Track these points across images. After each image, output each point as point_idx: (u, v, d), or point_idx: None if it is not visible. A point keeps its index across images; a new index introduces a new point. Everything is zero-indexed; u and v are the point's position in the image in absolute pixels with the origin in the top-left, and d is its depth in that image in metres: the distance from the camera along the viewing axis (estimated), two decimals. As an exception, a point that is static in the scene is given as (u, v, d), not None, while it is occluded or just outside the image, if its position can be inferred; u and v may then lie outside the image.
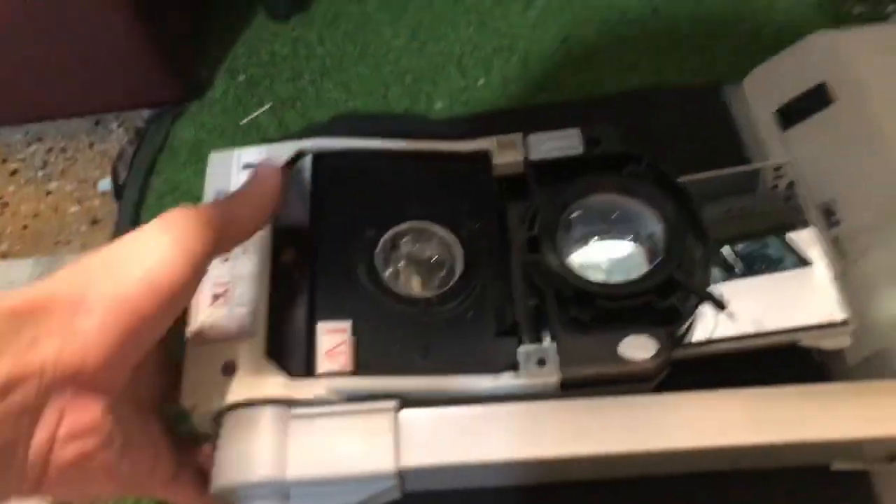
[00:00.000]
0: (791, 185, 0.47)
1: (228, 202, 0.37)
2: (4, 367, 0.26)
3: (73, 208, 0.65)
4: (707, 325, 0.42)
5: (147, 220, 0.60)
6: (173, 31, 0.67)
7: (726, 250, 0.46)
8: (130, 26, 0.61)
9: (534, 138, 0.45)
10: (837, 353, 0.45)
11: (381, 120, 0.64)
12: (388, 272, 0.42)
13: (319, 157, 0.44)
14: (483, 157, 0.45)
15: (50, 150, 0.69)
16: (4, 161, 0.69)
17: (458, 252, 0.42)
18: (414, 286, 0.42)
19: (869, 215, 0.46)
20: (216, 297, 0.39)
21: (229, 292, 0.39)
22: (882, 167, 0.46)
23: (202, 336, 0.38)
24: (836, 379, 0.47)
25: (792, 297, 0.43)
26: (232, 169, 0.43)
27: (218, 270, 0.40)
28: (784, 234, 0.46)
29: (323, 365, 0.37)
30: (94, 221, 0.64)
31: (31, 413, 0.27)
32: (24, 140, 0.70)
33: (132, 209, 0.62)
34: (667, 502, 0.45)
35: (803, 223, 0.46)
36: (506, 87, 0.67)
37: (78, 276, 0.29)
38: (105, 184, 0.65)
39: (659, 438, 0.37)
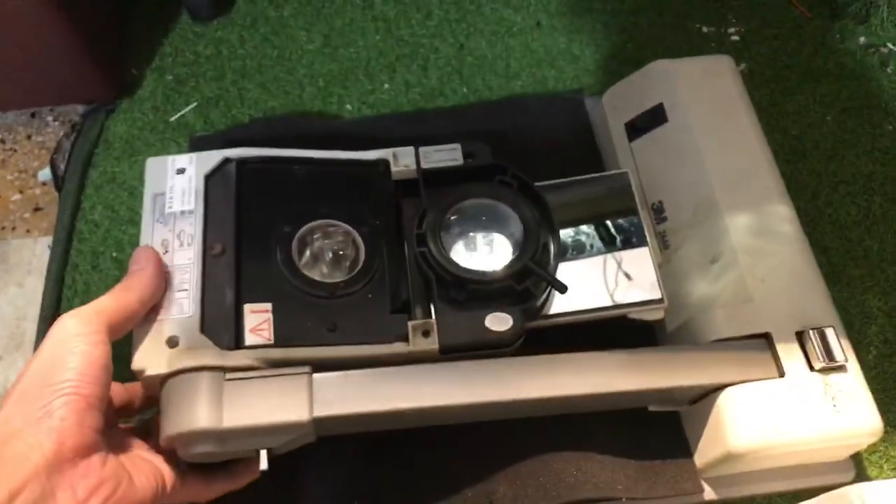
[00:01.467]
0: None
1: (119, 297, 0.44)
2: (3, 490, 0.35)
3: (15, 196, 0.71)
4: (558, 302, 0.54)
5: (87, 209, 0.67)
6: (100, 28, 0.72)
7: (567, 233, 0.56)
8: (58, 23, 0.65)
9: (423, 150, 0.55)
10: (660, 322, 0.57)
11: (294, 122, 0.72)
12: (301, 262, 0.51)
13: (242, 163, 0.53)
14: (383, 165, 0.55)
15: (-12, 140, 0.74)
16: (-57, 152, 0.74)
17: (361, 244, 0.52)
18: (323, 274, 0.51)
19: (686, 215, 0.58)
20: (159, 283, 0.48)
21: (169, 279, 0.48)
22: (698, 177, 0.58)
23: (147, 314, 0.46)
24: (659, 342, 0.59)
25: (623, 278, 0.55)
26: (168, 173, 0.51)
27: (159, 261, 0.48)
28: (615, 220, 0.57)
29: (249, 339, 0.47)
30: (37, 209, 0.70)
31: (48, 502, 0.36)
32: (-40, 131, 0.75)
33: (73, 198, 0.68)
34: (518, 440, 0.57)
35: (633, 212, 0.57)
36: (408, 92, 0.76)
37: (26, 396, 0.39)
38: (45, 174, 0.71)
39: (515, 391, 0.49)
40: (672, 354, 0.52)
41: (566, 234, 0.56)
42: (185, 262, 0.48)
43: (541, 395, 0.48)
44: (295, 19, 0.81)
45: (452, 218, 0.53)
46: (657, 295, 0.54)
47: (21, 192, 0.71)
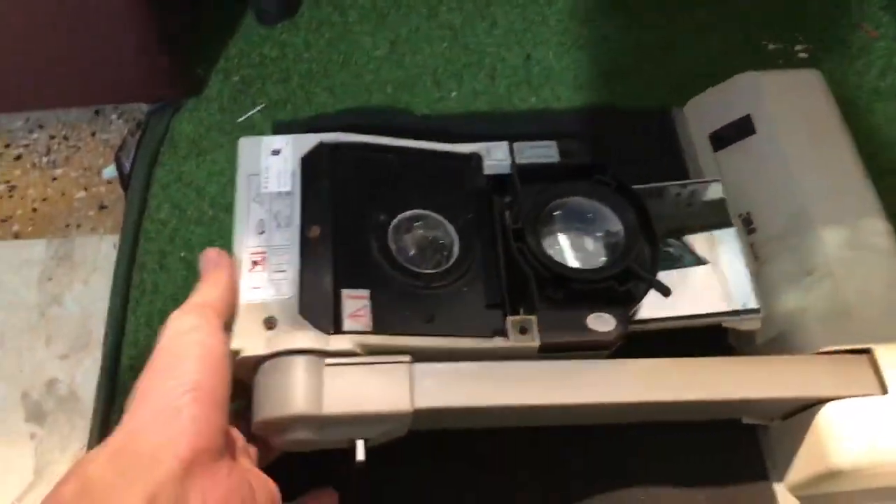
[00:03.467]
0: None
1: (215, 288, 0.44)
2: (138, 493, 0.32)
3: (80, 194, 0.69)
4: (653, 307, 0.52)
5: (154, 208, 0.66)
6: (175, 28, 0.72)
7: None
8: (141, 21, 0.65)
9: (518, 146, 0.54)
10: (748, 334, 0.56)
11: (380, 114, 0.71)
12: (397, 250, 0.49)
13: (337, 148, 0.51)
14: (476, 159, 0.54)
15: (52, 137, 0.73)
16: (7, 146, 0.72)
17: (455, 237, 0.51)
18: (418, 264, 0.50)
19: (777, 227, 0.57)
20: (255, 263, 0.46)
21: (266, 260, 0.46)
22: (789, 189, 0.57)
23: (245, 296, 0.45)
24: (742, 354, 0.57)
25: (718, 287, 0.54)
26: (262, 154, 0.50)
27: (254, 241, 0.47)
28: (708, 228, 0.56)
29: (348, 324, 0.45)
30: (102, 207, 0.69)
31: None
32: (25, 127, 0.73)
33: (140, 197, 0.66)
34: (618, 445, 0.55)
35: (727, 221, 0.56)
36: (476, 100, 0.75)
37: (150, 396, 0.37)
38: (109, 171, 0.70)
39: (621, 393, 0.47)
40: (776, 364, 0.51)
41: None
42: (283, 244, 0.47)
43: (646, 399, 0.47)
44: (360, 25, 0.81)
45: (553, 213, 0.51)
46: (754, 304, 0.53)
47: (86, 189, 0.70)
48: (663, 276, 0.53)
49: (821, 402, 0.50)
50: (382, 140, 0.53)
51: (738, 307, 0.53)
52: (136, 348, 0.61)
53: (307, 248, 0.47)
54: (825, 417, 0.50)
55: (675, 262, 0.55)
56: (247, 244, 0.47)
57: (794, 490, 0.54)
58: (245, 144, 0.51)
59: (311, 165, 0.50)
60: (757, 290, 0.53)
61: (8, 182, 0.70)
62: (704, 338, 0.54)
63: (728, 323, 0.53)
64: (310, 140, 0.51)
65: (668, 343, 0.51)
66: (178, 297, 0.62)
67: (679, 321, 0.52)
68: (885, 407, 0.49)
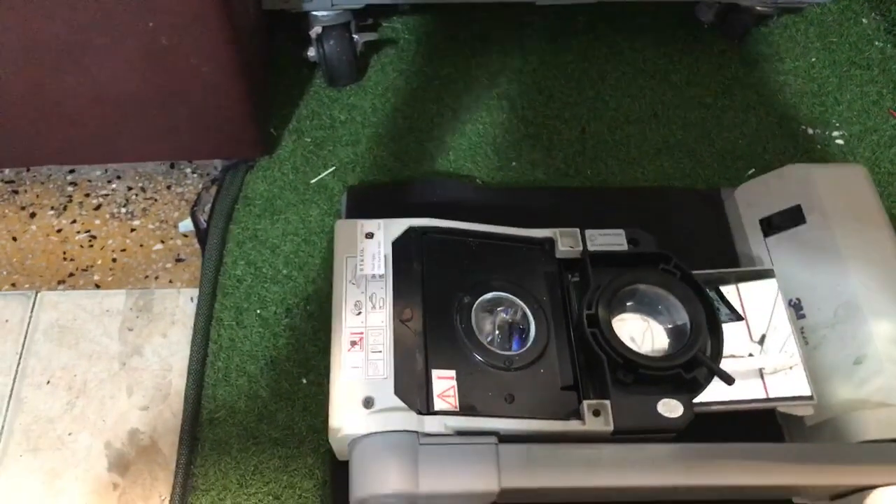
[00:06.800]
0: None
1: None
2: None
3: (157, 246, 0.72)
4: (716, 392, 0.55)
5: (230, 264, 0.70)
6: (258, 89, 0.75)
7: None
8: (235, 84, 0.67)
9: (589, 233, 0.57)
10: (798, 417, 0.59)
11: (446, 184, 0.75)
12: (480, 332, 0.53)
13: (425, 233, 0.55)
14: (549, 243, 0.57)
15: (130, 188, 0.76)
16: (87, 195, 0.76)
17: (531, 319, 0.54)
18: (498, 346, 0.53)
19: (826, 315, 0.60)
20: (353, 343, 0.50)
21: (364, 340, 0.50)
22: (839, 279, 0.61)
23: (345, 375, 0.48)
24: (792, 437, 0.61)
25: (774, 374, 0.57)
26: (358, 237, 0.54)
27: (353, 321, 0.51)
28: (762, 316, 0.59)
29: (438, 404, 0.48)
30: (179, 259, 0.72)
31: None
32: (104, 177, 0.77)
33: (216, 253, 0.70)
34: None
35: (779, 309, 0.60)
36: (534, 170, 0.79)
37: None
38: (185, 225, 0.73)
39: (680, 477, 0.50)
40: (828, 452, 0.54)
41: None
42: (378, 325, 0.50)
43: (709, 483, 0.50)
44: (424, 92, 0.85)
45: (622, 302, 0.55)
46: (807, 392, 0.56)
47: (163, 241, 0.73)
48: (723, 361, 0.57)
49: (869, 488, 0.53)
50: (464, 225, 0.56)
51: (794, 393, 0.56)
52: (215, 402, 0.64)
53: (400, 330, 0.50)
54: (873, 502, 0.53)
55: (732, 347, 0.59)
56: (346, 325, 0.50)
57: (839, 569, 0.57)
58: (341, 227, 0.55)
59: (402, 249, 0.54)
60: (809, 378, 0.57)
61: (88, 231, 0.74)
62: (754, 420, 0.58)
63: (783, 408, 0.57)
64: (399, 224, 0.54)
65: (719, 422, 0.54)
66: (254, 353, 0.66)
67: (737, 405, 0.56)
68: (929, 496, 0.53)
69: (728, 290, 0.60)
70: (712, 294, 0.60)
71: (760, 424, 0.60)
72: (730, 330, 0.58)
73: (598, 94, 0.86)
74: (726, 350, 0.56)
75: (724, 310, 0.59)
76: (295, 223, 0.74)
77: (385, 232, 0.54)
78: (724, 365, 0.55)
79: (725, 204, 0.73)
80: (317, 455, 0.60)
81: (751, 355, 0.58)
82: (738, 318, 0.59)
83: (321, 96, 0.84)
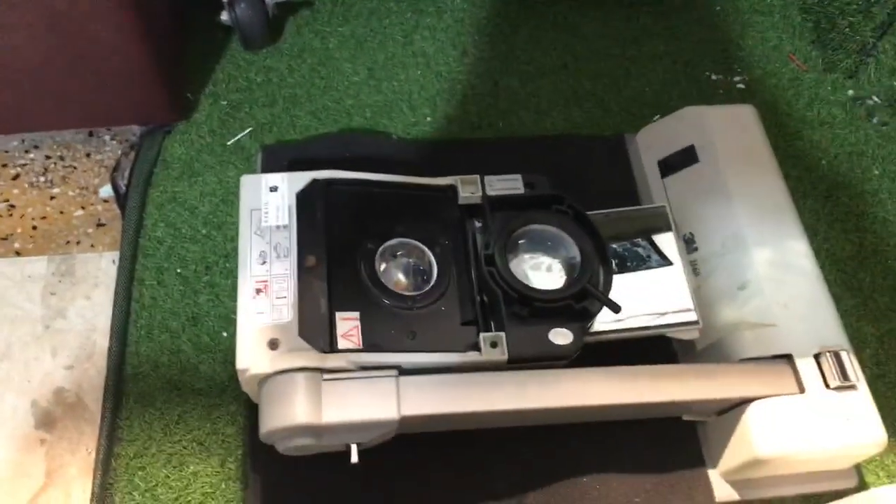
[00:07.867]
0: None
1: None
2: None
3: (78, 212, 0.74)
4: (605, 321, 0.59)
5: (150, 226, 0.72)
6: (167, 53, 0.76)
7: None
8: (137, 47, 0.68)
9: (488, 179, 0.61)
10: (689, 342, 0.63)
11: (359, 140, 0.77)
12: (383, 275, 0.56)
13: (329, 184, 0.58)
14: (451, 190, 0.60)
15: (48, 157, 0.77)
16: (5, 166, 0.76)
17: (433, 261, 0.57)
18: (400, 287, 0.56)
19: (715, 246, 0.65)
20: (258, 290, 0.52)
21: (269, 287, 0.52)
22: (727, 213, 0.65)
23: (251, 320, 0.51)
24: (683, 359, 0.65)
25: (662, 302, 0.61)
26: (262, 190, 0.56)
27: (258, 270, 0.53)
28: (650, 236, 0.63)
29: (342, 343, 0.51)
30: (100, 224, 0.73)
31: None
32: (21, 147, 0.78)
33: (136, 216, 0.71)
34: (574, 442, 0.63)
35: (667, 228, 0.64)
36: (449, 125, 0.82)
37: None
38: (105, 190, 0.75)
39: (572, 398, 0.54)
40: (711, 370, 0.59)
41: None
42: (283, 272, 0.53)
43: (600, 403, 0.54)
44: (340, 52, 0.86)
45: (517, 241, 0.58)
46: (693, 317, 0.61)
47: (83, 207, 0.74)
48: (633, 277, 0.61)
49: (749, 401, 0.58)
50: (368, 175, 0.59)
51: (681, 319, 0.61)
52: (138, 358, 0.66)
53: (304, 276, 0.53)
54: (752, 414, 0.58)
55: (642, 263, 0.63)
56: (251, 273, 0.53)
57: (726, 475, 0.62)
58: (246, 181, 0.57)
59: (306, 200, 0.56)
60: (696, 304, 0.61)
61: (7, 201, 0.74)
62: (651, 343, 0.62)
63: (671, 333, 0.61)
64: (303, 177, 0.57)
65: (618, 347, 0.59)
66: (176, 310, 0.68)
67: (627, 333, 0.60)
68: (802, 405, 0.58)
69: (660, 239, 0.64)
70: (645, 242, 0.63)
71: (658, 353, 0.64)
72: (662, 274, 0.62)
73: (511, 49, 0.89)
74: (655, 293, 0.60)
75: (654, 257, 0.63)
76: (213, 184, 0.75)
77: (289, 184, 0.56)
78: (618, 296, 0.59)
79: (629, 149, 0.77)
80: (239, 402, 0.63)
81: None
82: (668, 263, 0.63)
83: (237, 59, 0.85)
